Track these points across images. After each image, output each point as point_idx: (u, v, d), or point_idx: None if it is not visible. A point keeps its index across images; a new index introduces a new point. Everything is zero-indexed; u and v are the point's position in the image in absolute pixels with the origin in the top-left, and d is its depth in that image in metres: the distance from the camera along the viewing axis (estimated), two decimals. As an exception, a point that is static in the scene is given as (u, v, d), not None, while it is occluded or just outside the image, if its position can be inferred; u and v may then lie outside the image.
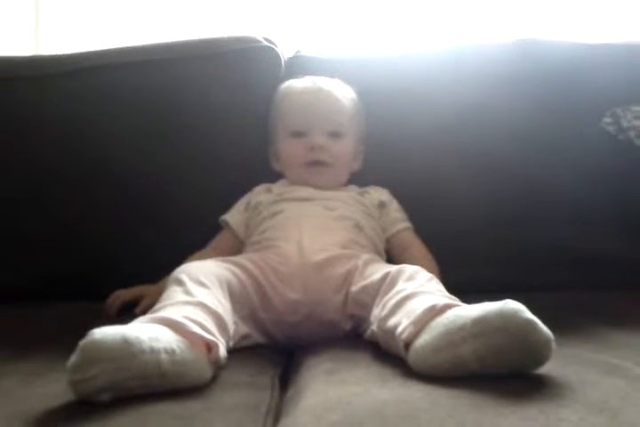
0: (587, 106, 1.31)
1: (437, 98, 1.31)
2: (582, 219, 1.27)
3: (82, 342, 0.64)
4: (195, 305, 0.79)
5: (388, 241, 1.19)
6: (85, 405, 0.62)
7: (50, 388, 0.69)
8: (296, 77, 1.29)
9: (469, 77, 1.32)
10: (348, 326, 0.95)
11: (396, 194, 1.25)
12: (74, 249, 1.30)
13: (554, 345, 0.64)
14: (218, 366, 0.75)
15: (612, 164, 1.29)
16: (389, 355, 0.78)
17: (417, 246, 1.18)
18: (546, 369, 0.65)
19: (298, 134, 1.20)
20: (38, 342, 0.91)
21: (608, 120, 1.29)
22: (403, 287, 0.82)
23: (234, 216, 1.22)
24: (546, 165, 1.29)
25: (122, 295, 1.12)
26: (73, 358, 0.63)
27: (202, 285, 0.85)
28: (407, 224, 1.21)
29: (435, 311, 0.72)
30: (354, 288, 0.93)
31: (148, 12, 1.94)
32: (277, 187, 1.23)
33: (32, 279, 1.29)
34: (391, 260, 1.13)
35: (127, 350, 0.64)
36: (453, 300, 0.77)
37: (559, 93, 1.31)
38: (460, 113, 1.30)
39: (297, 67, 1.35)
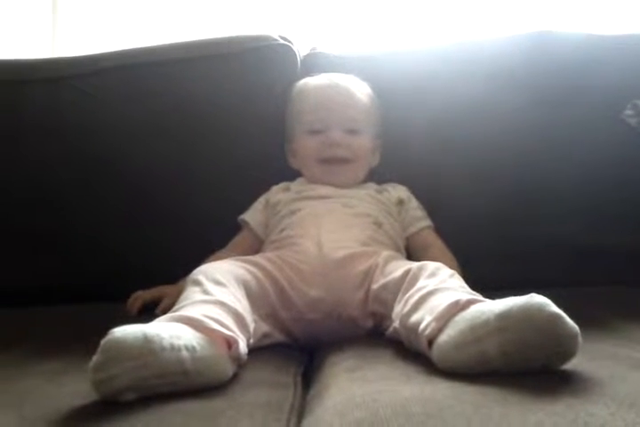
0: (606, 98, 1.29)
1: (452, 93, 1.30)
2: (593, 214, 1.26)
3: (103, 341, 0.64)
4: (213, 303, 0.79)
5: (408, 240, 1.18)
6: (109, 404, 0.62)
7: (73, 387, 0.69)
8: (312, 75, 1.29)
9: (483, 71, 1.31)
10: (369, 323, 0.94)
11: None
12: (94, 250, 1.31)
13: (580, 340, 0.63)
14: (239, 363, 0.74)
15: (631, 157, 1.27)
16: (412, 352, 0.77)
17: (438, 245, 1.17)
18: (572, 364, 0.64)
19: (315, 132, 1.20)
20: (60, 343, 0.91)
21: (630, 112, 1.27)
22: (424, 284, 0.81)
23: (252, 215, 1.22)
24: (559, 159, 1.28)
25: (142, 296, 1.12)
26: (95, 358, 0.63)
27: (219, 284, 0.85)
28: (428, 222, 1.21)
29: (458, 307, 0.71)
30: (375, 286, 0.92)
31: (164, 12, 1.95)
32: (295, 185, 1.23)
33: (50, 282, 1.29)
34: (411, 258, 1.12)
35: (148, 347, 0.64)
36: (476, 295, 0.76)
37: (575, 87, 1.30)
38: (476, 109, 1.30)
39: (313, 64, 1.36)
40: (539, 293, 0.66)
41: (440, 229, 1.21)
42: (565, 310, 0.64)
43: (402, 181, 1.26)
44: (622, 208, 1.26)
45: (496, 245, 1.25)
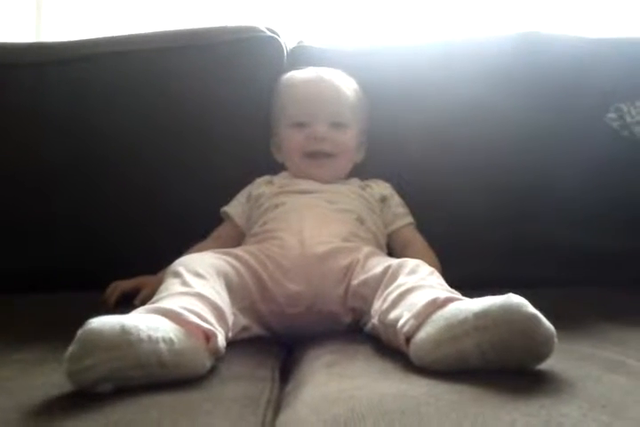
0: (590, 101, 1.30)
1: (440, 91, 1.30)
2: (583, 215, 1.26)
3: (79, 332, 0.63)
4: (192, 296, 0.79)
5: (389, 236, 1.18)
6: (85, 395, 0.61)
7: (49, 378, 0.68)
8: (298, 68, 1.29)
9: (473, 71, 1.31)
10: (348, 319, 0.94)
11: (396, 188, 1.25)
12: (74, 239, 1.30)
13: (556, 340, 0.63)
14: (217, 356, 0.74)
15: (615, 159, 1.28)
16: (390, 348, 0.77)
17: (419, 242, 1.18)
18: (547, 365, 0.65)
19: (300, 125, 1.20)
20: (37, 332, 0.90)
21: (612, 116, 1.28)
22: (404, 281, 0.82)
23: (235, 208, 1.22)
24: (548, 161, 1.28)
25: (121, 286, 1.12)
26: (71, 348, 0.62)
27: (199, 276, 0.85)
28: (409, 220, 1.21)
29: (436, 305, 0.71)
30: (355, 281, 0.93)
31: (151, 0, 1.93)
32: (279, 179, 1.22)
33: (31, 269, 1.28)
34: (392, 255, 1.12)
35: (125, 338, 0.63)
36: (455, 294, 0.76)
37: (562, 89, 1.30)
38: (462, 108, 1.30)
39: (299, 57, 1.35)
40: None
41: (435, 228, 1.21)
42: (547, 311, 0.64)
43: (396, 180, 1.25)
44: (612, 209, 1.27)
45: (490, 245, 1.26)
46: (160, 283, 0.86)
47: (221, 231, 1.21)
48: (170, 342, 0.67)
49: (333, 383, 0.66)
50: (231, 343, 0.80)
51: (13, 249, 1.30)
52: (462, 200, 1.27)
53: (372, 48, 1.38)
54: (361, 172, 1.27)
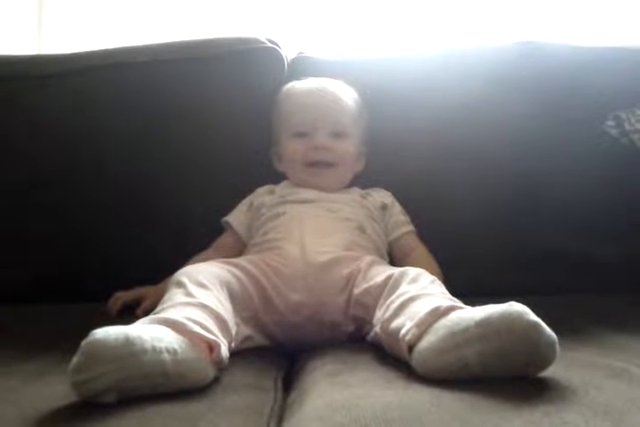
0: (589, 109, 1.30)
1: (440, 100, 1.31)
2: (583, 222, 1.26)
3: (84, 342, 0.63)
4: (195, 306, 0.79)
5: (390, 244, 1.18)
6: (89, 406, 0.62)
7: (53, 389, 0.68)
8: (299, 79, 1.29)
9: (472, 80, 1.32)
10: (350, 328, 0.94)
11: (396, 196, 1.25)
12: (74, 250, 1.30)
13: (558, 348, 0.64)
14: (220, 367, 0.74)
15: (614, 167, 1.28)
16: (392, 357, 0.77)
17: (420, 250, 1.18)
18: (550, 372, 0.65)
19: (301, 135, 1.20)
20: (40, 343, 0.90)
21: (611, 123, 1.28)
22: (406, 290, 0.82)
23: (236, 217, 1.22)
24: (547, 169, 1.28)
25: (122, 297, 1.12)
26: (75, 359, 0.63)
27: (202, 286, 0.85)
28: (410, 227, 1.21)
29: (438, 313, 0.71)
30: (357, 290, 0.93)
31: (151, 12, 1.94)
32: (280, 188, 1.23)
33: (33, 280, 1.28)
34: (394, 263, 1.13)
35: (129, 349, 0.64)
36: (456, 302, 0.77)
37: (561, 97, 1.31)
38: (463, 116, 1.30)
39: (300, 68, 1.36)
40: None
41: (435, 236, 1.21)
42: (548, 318, 0.65)
43: (396, 188, 1.26)
44: (611, 216, 1.27)
45: (490, 252, 1.26)
46: (161, 293, 0.86)
47: (223, 241, 1.21)
48: (173, 352, 0.67)
49: (336, 393, 0.67)
50: (234, 353, 0.80)
51: (11, 260, 1.31)
52: (461, 208, 1.27)
53: (372, 58, 1.39)
54: (361, 180, 1.27)
